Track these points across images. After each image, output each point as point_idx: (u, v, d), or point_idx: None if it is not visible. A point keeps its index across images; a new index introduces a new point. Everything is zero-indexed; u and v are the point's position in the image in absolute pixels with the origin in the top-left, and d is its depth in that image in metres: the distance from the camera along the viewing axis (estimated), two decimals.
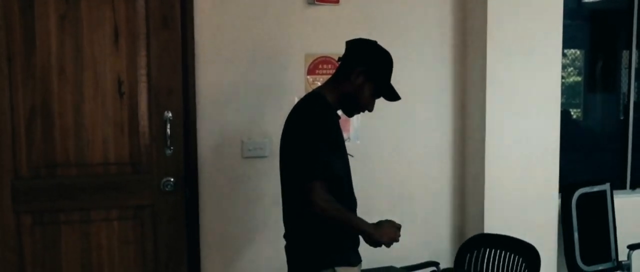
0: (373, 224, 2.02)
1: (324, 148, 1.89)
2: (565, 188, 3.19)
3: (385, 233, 2.01)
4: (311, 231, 2.00)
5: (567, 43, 3.01)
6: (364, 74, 2.01)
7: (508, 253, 2.70)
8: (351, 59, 2.04)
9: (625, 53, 3.70)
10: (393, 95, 2.09)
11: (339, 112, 2.10)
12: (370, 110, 2.11)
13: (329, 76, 2.70)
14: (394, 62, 2.08)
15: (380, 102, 2.16)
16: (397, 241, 2.06)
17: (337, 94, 2.04)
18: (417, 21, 2.88)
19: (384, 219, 2.09)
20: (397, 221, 2.93)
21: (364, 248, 2.15)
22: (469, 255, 2.80)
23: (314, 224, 1.98)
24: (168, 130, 2.55)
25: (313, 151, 1.88)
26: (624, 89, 3.69)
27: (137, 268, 2.63)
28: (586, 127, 3.97)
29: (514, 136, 2.90)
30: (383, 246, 2.04)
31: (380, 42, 2.09)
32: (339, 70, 2.08)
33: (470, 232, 2.95)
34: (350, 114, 2.13)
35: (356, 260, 2.09)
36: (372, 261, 2.73)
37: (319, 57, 2.73)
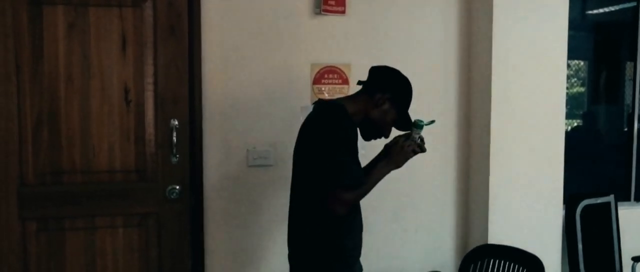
0: (386, 161, 2.07)
1: (346, 155, 1.92)
2: (570, 199, 3.19)
3: (402, 159, 2.08)
4: (314, 240, 2.01)
5: (571, 54, 3.02)
6: (390, 101, 2.04)
7: (512, 264, 2.70)
8: (378, 84, 2.06)
9: (629, 65, 3.71)
10: (407, 126, 2.11)
11: None
12: (386, 136, 2.13)
13: (335, 86, 2.75)
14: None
15: None
16: (415, 152, 2.09)
17: (358, 111, 2.04)
18: (422, 32, 2.89)
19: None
20: (401, 230, 2.96)
21: (364, 257, 2.15)
22: (472, 265, 2.79)
23: (318, 232, 1.98)
24: (174, 139, 2.57)
25: (335, 157, 1.89)
26: (628, 100, 3.70)
27: None
28: (589, 139, 3.97)
29: (518, 147, 2.90)
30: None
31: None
32: (362, 92, 2.09)
33: (474, 243, 2.95)
34: (367, 137, 2.13)
35: (358, 269, 2.09)
36: (377, 270, 2.74)
37: (325, 67, 2.75)
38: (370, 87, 2.07)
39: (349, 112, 2.01)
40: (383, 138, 2.15)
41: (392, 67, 2.11)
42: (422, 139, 2.11)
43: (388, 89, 2.04)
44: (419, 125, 2.08)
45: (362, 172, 2.05)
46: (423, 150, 2.11)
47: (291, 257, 2.11)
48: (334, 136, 1.92)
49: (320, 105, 2.08)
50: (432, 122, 2.12)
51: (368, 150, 2.81)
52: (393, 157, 2.08)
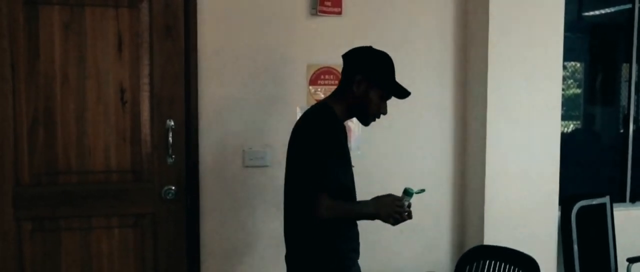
0: (372, 204, 1.99)
1: (330, 160, 1.91)
2: (565, 201, 3.19)
3: (385, 212, 1.98)
4: (311, 241, 2.01)
5: (567, 55, 3.03)
6: (365, 81, 2.01)
7: (508, 265, 2.70)
8: (350, 69, 2.05)
9: (625, 66, 3.71)
10: (402, 93, 2.07)
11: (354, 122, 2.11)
12: (385, 112, 2.09)
13: (331, 87, 2.74)
14: (395, 73, 2.09)
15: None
16: (401, 216, 1.99)
17: (345, 105, 2.04)
18: (419, 33, 2.89)
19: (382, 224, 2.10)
20: (397, 231, 2.93)
21: (362, 260, 2.15)
22: (468, 267, 2.80)
23: (315, 234, 1.99)
24: (170, 139, 2.56)
25: (319, 162, 1.89)
26: (624, 101, 3.71)
27: None
28: (586, 140, 3.98)
29: (514, 148, 2.90)
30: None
31: None
32: (341, 82, 2.09)
33: (470, 244, 2.95)
34: (365, 122, 2.10)
35: (356, 271, 2.09)
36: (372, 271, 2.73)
37: (321, 68, 2.75)
38: (345, 74, 2.06)
39: (335, 111, 2.01)
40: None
41: (360, 47, 2.08)
42: (409, 205, 2.04)
43: (358, 71, 2.01)
44: (409, 193, 2.03)
45: (351, 175, 2.05)
46: (410, 217, 2.02)
47: (288, 258, 2.12)
48: (319, 141, 1.92)
49: (309, 109, 2.08)
50: (423, 190, 2.05)
51: (365, 150, 2.82)
52: (380, 202, 1.99)
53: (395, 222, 2.00)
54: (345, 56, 2.08)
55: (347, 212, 2.01)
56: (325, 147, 1.91)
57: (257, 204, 2.73)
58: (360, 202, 2.05)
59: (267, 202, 2.72)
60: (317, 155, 1.90)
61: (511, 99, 2.87)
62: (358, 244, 2.12)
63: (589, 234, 3.23)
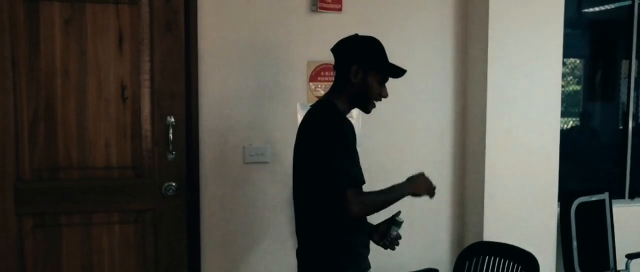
0: (408, 183, 2.13)
1: (347, 156, 1.92)
2: (565, 197, 3.20)
3: (422, 187, 2.14)
4: (323, 237, 2.01)
5: (567, 52, 3.03)
6: (361, 69, 2.01)
7: (507, 261, 2.71)
8: (343, 61, 2.04)
9: (624, 62, 3.72)
10: (398, 72, 2.07)
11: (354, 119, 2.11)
12: (386, 95, 2.10)
13: (331, 83, 2.75)
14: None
15: (380, 109, 2.17)
16: (433, 191, 2.18)
17: (346, 98, 2.04)
18: (419, 30, 2.90)
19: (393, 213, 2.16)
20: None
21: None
22: (468, 262, 2.81)
23: (327, 229, 1.99)
24: (170, 135, 2.57)
25: (337, 159, 1.89)
26: (623, 98, 3.72)
27: None
28: (585, 136, 3.99)
29: (513, 144, 2.91)
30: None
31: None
32: (337, 76, 2.09)
33: (470, 240, 2.96)
34: (367, 110, 2.11)
35: (366, 266, 2.10)
36: (373, 267, 2.74)
37: (321, 65, 2.75)
38: (339, 67, 2.06)
39: (338, 107, 2.01)
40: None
41: (347, 37, 2.08)
42: (398, 236, 2.15)
43: (352, 60, 2.01)
44: (397, 223, 2.12)
45: (361, 171, 2.05)
46: (396, 245, 2.15)
47: (299, 253, 2.12)
48: (333, 138, 1.92)
49: (313, 106, 2.08)
50: (402, 221, 2.17)
51: (364, 146, 2.82)
52: (415, 180, 2.14)
53: (432, 195, 2.18)
54: (335, 49, 2.08)
55: (383, 201, 2.01)
56: (339, 143, 1.91)
57: (257, 200, 2.74)
58: (393, 187, 2.07)
59: (267, 198, 2.73)
60: (334, 152, 1.89)
61: (511, 95, 2.88)
62: (368, 239, 2.13)
63: (588, 230, 3.24)
